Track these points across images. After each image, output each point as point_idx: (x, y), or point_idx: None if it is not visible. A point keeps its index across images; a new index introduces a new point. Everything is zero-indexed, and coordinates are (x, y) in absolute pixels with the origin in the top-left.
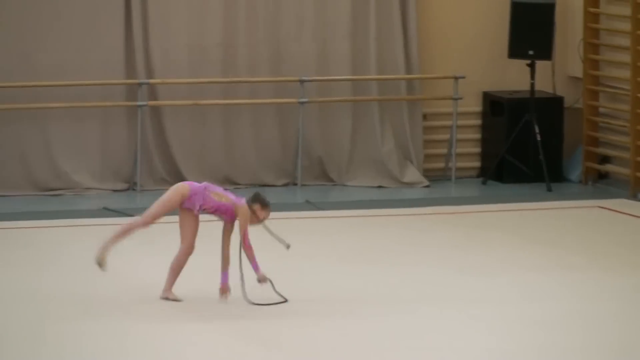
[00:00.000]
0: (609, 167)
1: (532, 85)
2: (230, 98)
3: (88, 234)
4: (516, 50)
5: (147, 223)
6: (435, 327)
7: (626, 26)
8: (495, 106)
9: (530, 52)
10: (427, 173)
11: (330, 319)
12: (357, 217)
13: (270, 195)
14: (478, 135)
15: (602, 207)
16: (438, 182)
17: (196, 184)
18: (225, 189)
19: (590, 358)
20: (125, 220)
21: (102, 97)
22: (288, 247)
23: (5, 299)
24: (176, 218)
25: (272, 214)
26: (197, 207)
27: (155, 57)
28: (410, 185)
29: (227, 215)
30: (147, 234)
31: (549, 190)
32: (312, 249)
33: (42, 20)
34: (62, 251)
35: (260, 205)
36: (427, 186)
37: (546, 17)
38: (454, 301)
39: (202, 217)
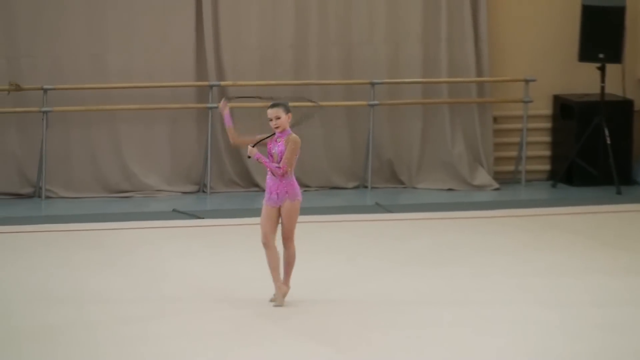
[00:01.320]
0: None
1: (602, 88)
2: (301, 100)
3: (158, 236)
4: (586, 53)
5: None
6: (505, 329)
7: None
8: (566, 109)
9: (601, 56)
10: (497, 176)
11: (399, 320)
12: (427, 220)
13: (340, 197)
14: (548, 138)
15: None
16: (508, 185)
17: None
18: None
19: None
20: (193, 222)
21: (172, 99)
22: (316, 104)
23: (76, 299)
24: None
25: (342, 217)
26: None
27: (226, 59)
28: (480, 188)
29: None
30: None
31: (619, 193)
32: (381, 252)
33: (112, 23)
34: (133, 253)
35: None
36: (497, 189)
37: (616, 20)
38: (523, 303)
39: None
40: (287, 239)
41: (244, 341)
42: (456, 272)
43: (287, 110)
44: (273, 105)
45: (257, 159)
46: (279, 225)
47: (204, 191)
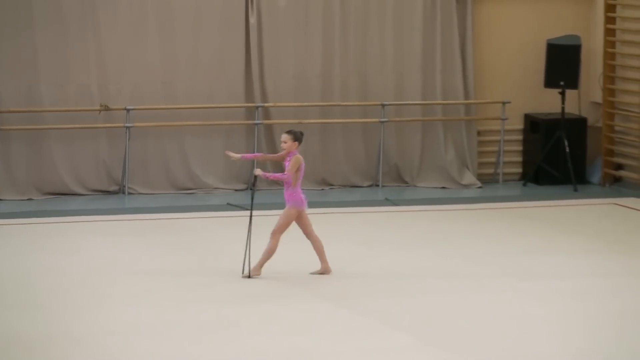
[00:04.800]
0: (622, 173)
1: (563, 108)
2: (327, 118)
3: (215, 224)
4: (550, 81)
5: None
6: (486, 295)
7: (637, 63)
8: (534, 125)
9: (562, 83)
10: (480, 177)
11: (403, 288)
12: (425, 212)
13: (356, 194)
14: (520, 148)
15: (617, 204)
16: (489, 184)
17: None
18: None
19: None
20: (243, 213)
21: (226, 117)
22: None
23: (155, 272)
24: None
25: (358, 209)
26: None
27: (269, 86)
28: (467, 186)
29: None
30: (259, 225)
31: (575, 190)
32: (389, 236)
33: (179, 56)
34: (196, 237)
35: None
36: (480, 187)
37: (574, 55)
38: (501, 276)
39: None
40: (272, 232)
41: (281, 301)
42: (448, 252)
43: (295, 138)
44: (286, 132)
45: (266, 177)
46: (302, 225)
47: (251, 189)
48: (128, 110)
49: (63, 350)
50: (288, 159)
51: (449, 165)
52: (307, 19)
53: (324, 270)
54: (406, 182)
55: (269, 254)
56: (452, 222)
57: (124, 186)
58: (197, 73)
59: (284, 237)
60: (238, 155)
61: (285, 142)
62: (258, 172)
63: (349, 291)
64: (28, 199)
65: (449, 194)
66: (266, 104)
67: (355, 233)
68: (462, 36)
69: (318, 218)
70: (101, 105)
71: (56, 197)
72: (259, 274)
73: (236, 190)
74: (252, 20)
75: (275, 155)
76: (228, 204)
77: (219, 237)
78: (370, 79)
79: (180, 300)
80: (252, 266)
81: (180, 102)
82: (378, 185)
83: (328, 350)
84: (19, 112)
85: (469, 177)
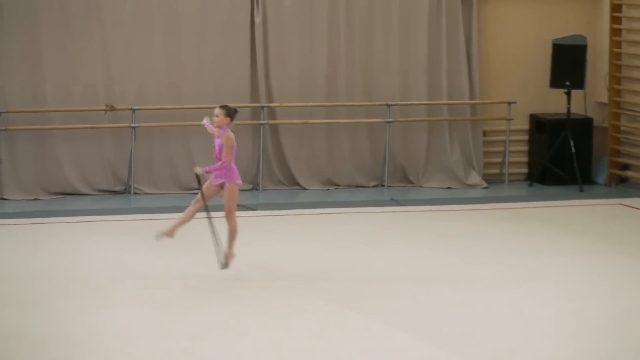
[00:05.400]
0: (628, 173)
1: (568, 109)
2: (332, 118)
3: (220, 224)
4: (556, 81)
5: None
6: (490, 291)
7: None
8: (540, 125)
9: (567, 83)
10: (485, 177)
11: (406, 288)
12: (431, 212)
13: (362, 194)
14: (526, 148)
15: (622, 205)
16: (494, 184)
17: None
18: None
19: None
20: (249, 213)
21: None
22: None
23: (161, 274)
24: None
25: (363, 209)
26: None
27: (274, 86)
28: (472, 186)
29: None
30: (264, 224)
31: (581, 190)
32: (394, 236)
33: (185, 57)
34: (202, 237)
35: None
36: (486, 187)
37: (580, 55)
38: (505, 272)
39: None
40: (227, 216)
41: (286, 302)
42: (453, 252)
43: (228, 114)
44: (220, 106)
45: (206, 171)
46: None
47: (257, 188)
48: (134, 110)
49: (65, 351)
50: (218, 135)
51: (454, 166)
52: (313, 19)
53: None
54: (412, 182)
55: (234, 234)
56: (458, 222)
57: (130, 186)
58: (202, 73)
59: (286, 238)
60: (202, 172)
61: (217, 117)
62: (198, 170)
63: (353, 292)
64: (34, 199)
65: (454, 194)
66: (272, 104)
67: (360, 233)
68: (467, 36)
69: (324, 218)
70: (107, 106)
71: (62, 197)
72: (234, 255)
73: (242, 190)
74: (258, 19)
75: (221, 162)
76: None
77: (223, 237)
78: (376, 79)
79: (184, 300)
80: (225, 256)
81: (185, 102)
82: (384, 186)
83: (333, 351)
84: (25, 112)
85: (475, 178)
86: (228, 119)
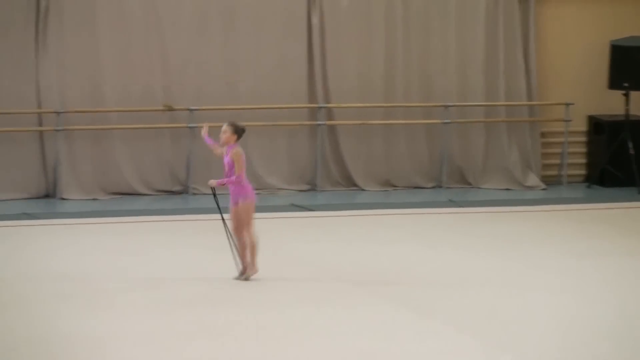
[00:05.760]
0: None
1: (627, 110)
2: (390, 119)
3: (279, 225)
4: (614, 82)
5: None
6: (547, 292)
7: None
8: (598, 126)
9: (625, 84)
10: (544, 179)
11: (469, 294)
12: (489, 213)
13: (419, 195)
14: (584, 149)
15: None
16: (552, 186)
17: None
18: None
19: None
20: (307, 214)
21: (289, 118)
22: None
23: (212, 273)
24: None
25: (421, 210)
26: None
27: (332, 86)
28: (530, 188)
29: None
30: (322, 225)
31: None
32: (452, 238)
33: (242, 58)
34: (260, 238)
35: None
36: (544, 189)
37: (638, 56)
38: (568, 278)
39: None
40: (236, 229)
41: (344, 303)
42: (511, 253)
43: (235, 131)
44: (228, 123)
45: (220, 184)
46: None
47: (314, 189)
48: (191, 110)
49: (125, 350)
50: (227, 152)
51: (512, 167)
52: (370, 19)
53: (250, 271)
54: (470, 184)
55: (253, 249)
56: (516, 224)
57: (188, 186)
58: (259, 73)
59: (343, 239)
60: (205, 130)
61: (225, 133)
62: (212, 182)
63: (412, 293)
64: (93, 199)
65: (512, 196)
66: (329, 105)
67: (418, 235)
68: (525, 37)
69: (381, 219)
70: (165, 106)
71: (120, 197)
72: (256, 271)
73: (300, 190)
74: (315, 20)
75: (216, 146)
76: (292, 204)
77: (283, 238)
78: (434, 80)
79: (238, 300)
80: (245, 268)
81: (243, 103)
82: (441, 187)
83: (393, 353)
84: (84, 113)
85: (533, 179)
86: (235, 137)
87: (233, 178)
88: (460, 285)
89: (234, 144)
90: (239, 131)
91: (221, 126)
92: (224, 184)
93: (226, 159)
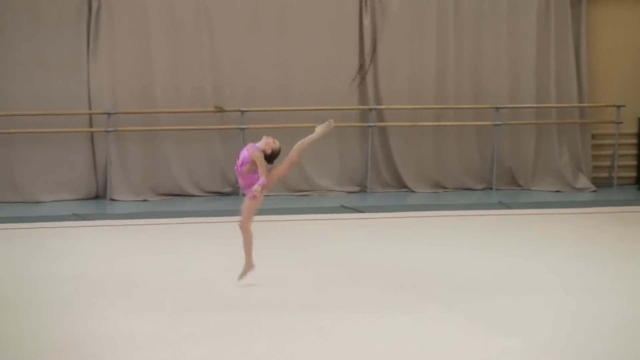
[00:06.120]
0: None
1: None
2: (441, 120)
3: (329, 225)
4: None
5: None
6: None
7: None
8: None
9: None
10: (594, 180)
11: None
12: (540, 215)
13: (470, 197)
14: (634, 151)
15: None
16: (603, 188)
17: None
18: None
19: None
20: (356, 215)
21: (340, 119)
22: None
23: (260, 275)
24: (393, 214)
25: (472, 212)
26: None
27: (383, 88)
28: (581, 190)
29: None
30: (372, 227)
31: None
32: (504, 240)
33: (294, 56)
34: (310, 239)
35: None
36: (594, 191)
37: None
38: (617, 281)
39: None
40: (241, 223)
41: (395, 304)
42: (561, 255)
43: (274, 150)
44: (274, 140)
45: (261, 187)
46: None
47: (364, 191)
48: (242, 112)
49: (174, 351)
50: (249, 147)
51: (563, 169)
52: (421, 21)
53: (250, 267)
54: (520, 186)
55: (250, 244)
56: (566, 226)
57: (238, 187)
58: (311, 75)
59: (394, 241)
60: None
61: (274, 143)
62: (256, 188)
63: (461, 295)
64: (143, 200)
65: (562, 198)
66: (380, 107)
67: (468, 236)
68: (576, 39)
69: (432, 221)
70: (215, 107)
71: (170, 198)
72: (253, 267)
73: (350, 192)
74: (366, 22)
75: (263, 178)
76: (342, 206)
77: (332, 239)
78: (485, 82)
79: (281, 303)
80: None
81: (294, 104)
82: (492, 189)
83: (443, 356)
84: (134, 114)
85: (583, 181)
86: (269, 153)
87: (262, 181)
88: (510, 286)
89: (259, 150)
90: (275, 154)
91: (269, 128)
92: (262, 187)
93: (244, 154)
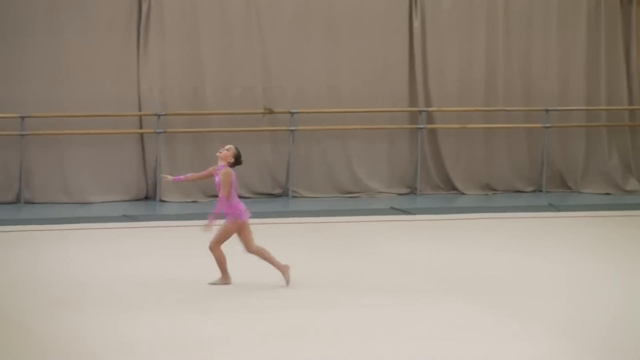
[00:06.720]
0: None
1: None
2: (490, 123)
3: (378, 228)
4: None
5: None
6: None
7: None
8: None
9: None
10: None
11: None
12: (590, 217)
13: (519, 199)
14: None
15: None
16: None
17: None
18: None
19: None
20: (406, 217)
21: (389, 121)
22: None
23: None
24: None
25: (521, 214)
26: None
27: (433, 90)
28: (631, 192)
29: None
30: (422, 229)
31: None
32: (554, 242)
33: (344, 57)
34: (360, 241)
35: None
36: None
37: None
38: None
39: None
40: (211, 247)
41: (442, 306)
42: (611, 258)
43: (235, 156)
44: (234, 146)
45: (213, 217)
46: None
47: (414, 193)
48: (292, 113)
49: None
50: (217, 172)
51: (613, 171)
52: (471, 22)
53: (226, 281)
54: (570, 188)
55: (222, 263)
56: (616, 228)
57: (288, 189)
58: (360, 76)
59: (443, 243)
60: (171, 178)
61: (227, 150)
62: (207, 226)
63: (510, 297)
64: (192, 202)
65: (612, 200)
66: (430, 109)
67: (518, 239)
68: (626, 42)
69: (481, 223)
70: (265, 109)
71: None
72: (229, 282)
73: (400, 194)
74: (416, 23)
75: (203, 173)
76: (392, 208)
77: (382, 241)
78: (534, 84)
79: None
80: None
81: (343, 106)
82: (541, 191)
83: (491, 357)
84: (184, 115)
85: (633, 183)
86: (233, 161)
87: (219, 205)
88: (560, 288)
89: (225, 165)
90: (238, 157)
91: (319, 130)
92: (216, 213)
93: (217, 179)
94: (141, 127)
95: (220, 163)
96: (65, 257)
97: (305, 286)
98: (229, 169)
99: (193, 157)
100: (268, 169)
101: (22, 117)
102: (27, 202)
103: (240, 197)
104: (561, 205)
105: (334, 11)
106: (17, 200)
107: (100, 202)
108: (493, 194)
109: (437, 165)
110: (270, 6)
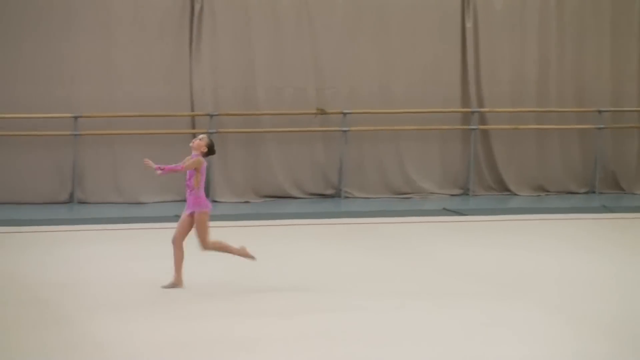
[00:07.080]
0: None
1: None
2: (543, 123)
3: (432, 228)
4: None
5: None
6: None
7: None
8: None
9: None
10: None
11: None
12: None
13: (572, 200)
14: None
15: None
16: None
17: None
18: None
19: None
20: (459, 218)
21: (442, 122)
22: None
23: (369, 273)
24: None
25: (574, 216)
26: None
27: (485, 91)
28: None
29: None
30: (475, 230)
31: None
32: (607, 244)
33: (396, 58)
34: (412, 242)
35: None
36: None
37: None
38: None
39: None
40: (201, 244)
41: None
42: None
43: (208, 145)
44: (207, 135)
45: (162, 171)
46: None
47: (467, 194)
48: (344, 114)
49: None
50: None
51: None
52: (524, 23)
53: (177, 283)
54: (623, 189)
55: (180, 261)
56: None
57: (341, 189)
58: (413, 77)
59: (495, 244)
60: (153, 165)
61: (200, 140)
62: (148, 163)
63: (562, 297)
64: (245, 202)
65: None
66: (482, 110)
67: (571, 240)
68: None
69: (534, 225)
70: (317, 110)
71: (273, 200)
72: (181, 285)
73: (452, 195)
74: (469, 24)
75: (179, 165)
76: (444, 209)
77: (435, 242)
78: (587, 85)
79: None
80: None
81: (396, 106)
82: (594, 192)
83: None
84: (236, 115)
85: None
86: (206, 150)
87: (172, 166)
88: (611, 290)
89: (198, 154)
90: (211, 147)
91: (371, 130)
92: (162, 169)
93: (189, 171)
94: (193, 128)
95: (194, 152)
96: (117, 257)
97: (354, 287)
98: (202, 159)
99: (245, 157)
100: (320, 169)
101: (75, 117)
102: (80, 202)
103: (292, 197)
104: (614, 207)
105: (385, 11)
106: (70, 200)
107: (153, 202)
108: (546, 195)
109: (490, 166)
110: (321, 6)
